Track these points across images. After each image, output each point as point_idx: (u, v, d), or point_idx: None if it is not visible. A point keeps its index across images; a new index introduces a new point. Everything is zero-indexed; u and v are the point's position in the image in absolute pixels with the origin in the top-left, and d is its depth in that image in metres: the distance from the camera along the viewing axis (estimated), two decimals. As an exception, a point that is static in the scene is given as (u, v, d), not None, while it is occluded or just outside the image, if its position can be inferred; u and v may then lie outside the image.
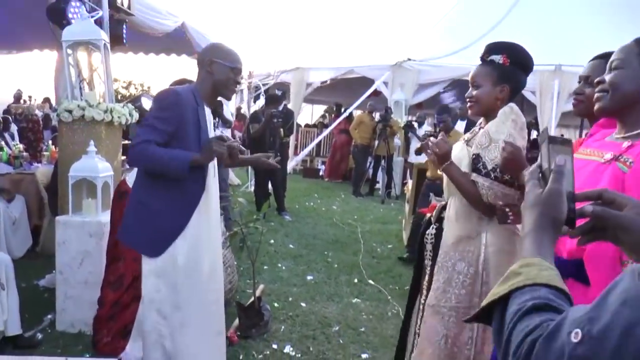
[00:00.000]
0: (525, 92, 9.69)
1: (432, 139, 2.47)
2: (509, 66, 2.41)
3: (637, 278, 0.64)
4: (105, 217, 3.60)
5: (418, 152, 6.51)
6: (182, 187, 2.57)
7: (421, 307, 2.74)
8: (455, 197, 2.49)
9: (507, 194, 2.26)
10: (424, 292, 2.72)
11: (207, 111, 2.68)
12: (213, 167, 2.74)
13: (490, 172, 2.29)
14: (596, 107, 1.54)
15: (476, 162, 2.35)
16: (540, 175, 1.03)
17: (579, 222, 1.02)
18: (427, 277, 2.73)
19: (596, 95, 1.54)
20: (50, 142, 7.61)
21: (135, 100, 4.74)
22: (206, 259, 2.72)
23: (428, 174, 6.11)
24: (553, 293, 0.80)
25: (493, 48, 2.46)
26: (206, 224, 2.71)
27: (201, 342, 2.69)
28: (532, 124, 16.84)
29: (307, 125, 17.54)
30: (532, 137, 19.24)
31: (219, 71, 2.60)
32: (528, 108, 13.41)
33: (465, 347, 2.39)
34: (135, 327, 3.12)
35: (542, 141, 1.07)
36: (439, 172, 2.47)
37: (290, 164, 11.64)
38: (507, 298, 0.83)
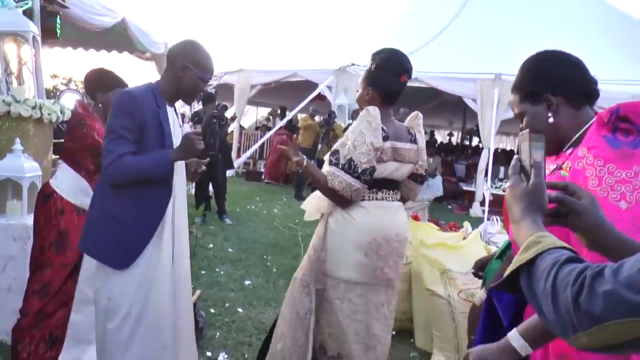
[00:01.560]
0: (467, 100, 9.92)
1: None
2: (374, 71, 2.58)
3: None
4: (32, 219, 3.41)
5: None
6: (149, 195, 2.43)
7: None
8: None
9: (350, 183, 2.45)
10: None
11: (170, 111, 2.53)
12: (180, 171, 2.58)
13: (341, 165, 2.48)
14: None
15: (332, 155, 2.56)
16: (520, 169, 1.19)
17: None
18: None
19: None
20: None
21: (57, 97, 4.53)
22: (169, 267, 2.56)
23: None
24: (573, 252, 0.95)
25: (372, 54, 2.63)
26: (172, 231, 2.55)
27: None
28: (474, 131, 17.33)
29: (258, 128, 17.40)
30: (473, 144, 19.75)
31: (189, 79, 2.45)
32: (470, 115, 13.76)
33: (306, 317, 2.60)
34: (70, 335, 2.98)
35: (524, 140, 1.20)
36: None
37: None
38: (532, 263, 0.97)
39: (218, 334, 3.83)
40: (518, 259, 1.00)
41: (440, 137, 23.15)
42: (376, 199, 2.60)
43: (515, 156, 1.22)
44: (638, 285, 0.76)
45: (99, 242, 2.44)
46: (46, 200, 3.05)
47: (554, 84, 1.53)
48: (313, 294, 2.60)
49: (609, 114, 1.40)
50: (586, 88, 1.55)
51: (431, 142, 17.58)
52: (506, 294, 1.73)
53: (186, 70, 2.43)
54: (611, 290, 0.78)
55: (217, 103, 8.28)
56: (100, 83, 3.15)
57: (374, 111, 2.50)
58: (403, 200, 2.78)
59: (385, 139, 2.52)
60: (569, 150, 1.54)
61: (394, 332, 4.23)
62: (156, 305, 2.49)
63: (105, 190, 2.44)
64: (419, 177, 2.83)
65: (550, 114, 1.53)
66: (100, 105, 3.15)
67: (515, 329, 1.44)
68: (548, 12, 11.77)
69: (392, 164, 2.59)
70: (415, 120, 2.84)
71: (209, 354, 3.51)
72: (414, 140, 2.71)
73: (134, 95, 2.36)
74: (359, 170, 2.44)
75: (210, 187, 7.91)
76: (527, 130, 1.21)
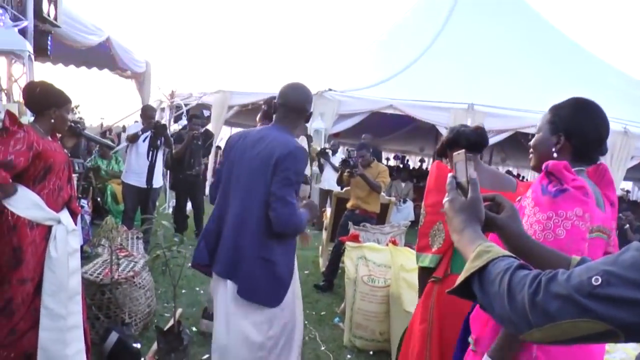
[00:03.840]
0: (440, 128, 10.18)
1: None
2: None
3: None
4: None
5: (339, 182, 6.69)
6: (290, 236, 2.67)
7: None
8: None
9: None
10: None
11: None
12: None
13: None
14: (530, 165, 1.88)
15: None
16: (456, 185, 1.33)
17: None
18: None
19: (530, 156, 1.89)
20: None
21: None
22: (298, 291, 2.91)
23: (349, 204, 6.31)
24: (519, 260, 1.07)
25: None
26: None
27: None
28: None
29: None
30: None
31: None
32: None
33: None
34: (41, 356, 3.00)
35: (459, 160, 1.35)
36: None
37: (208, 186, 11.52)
38: (483, 269, 1.08)
39: (202, 351, 3.90)
40: (470, 266, 1.11)
41: (412, 163, 23.51)
42: None
43: (450, 174, 1.36)
44: (587, 291, 0.89)
45: (258, 286, 2.57)
46: None
47: (572, 130, 1.73)
48: None
49: (544, 167, 1.65)
50: (591, 155, 1.76)
51: (404, 168, 17.89)
52: None
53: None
54: (565, 294, 0.91)
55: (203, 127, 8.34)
56: (55, 99, 3.09)
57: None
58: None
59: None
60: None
61: (371, 352, 4.38)
62: (299, 327, 2.86)
63: (259, 236, 2.57)
64: None
65: (554, 149, 1.76)
66: (52, 121, 3.08)
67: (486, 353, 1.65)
68: (520, 47, 12.22)
69: None
70: None
71: (193, 371, 3.58)
72: None
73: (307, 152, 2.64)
74: None
75: (189, 207, 7.94)
76: (463, 150, 1.37)
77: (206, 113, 9.34)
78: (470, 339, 1.77)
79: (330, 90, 11.19)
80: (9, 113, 2.95)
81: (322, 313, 5.22)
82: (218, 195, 2.78)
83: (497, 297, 1.02)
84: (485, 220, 1.31)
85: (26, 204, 2.95)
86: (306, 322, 4.84)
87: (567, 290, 0.91)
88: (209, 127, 9.97)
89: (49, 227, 3.04)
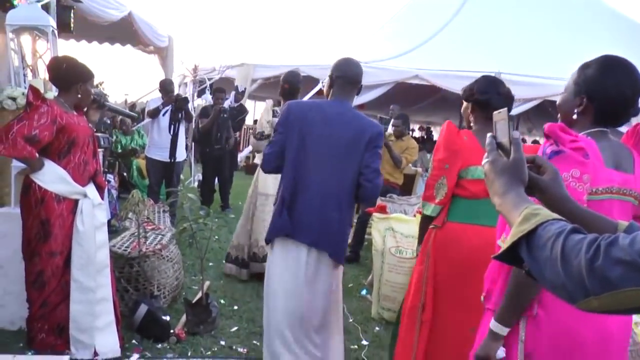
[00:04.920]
0: (469, 96, 10.01)
1: None
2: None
3: None
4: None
5: None
6: None
7: None
8: None
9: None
10: None
11: None
12: None
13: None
14: None
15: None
16: (496, 146, 1.25)
17: None
18: None
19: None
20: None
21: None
22: None
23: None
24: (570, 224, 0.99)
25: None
26: None
27: None
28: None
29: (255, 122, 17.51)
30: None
31: None
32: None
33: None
34: (73, 328, 3.08)
35: (500, 119, 1.27)
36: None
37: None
38: (532, 233, 1.00)
39: (230, 323, 3.93)
40: (518, 230, 1.03)
41: (437, 133, 23.26)
42: None
43: (489, 134, 1.29)
44: None
45: (341, 247, 2.90)
46: (27, 191, 3.04)
47: (594, 92, 1.63)
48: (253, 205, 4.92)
49: (543, 128, 1.61)
50: (616, 117, 1.67)
51: (429, 139, 17.70)
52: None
53: None
54: (629, 259, 0.82)
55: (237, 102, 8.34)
56: (81, 74, 3.13)
57: (267, 104, 5.28)
58: None
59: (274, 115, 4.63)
60: None
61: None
62: None
63: (350, 207, 2.88)
64: None
65: (576, 111, 1.67)
66: (79, 96, 3.12)
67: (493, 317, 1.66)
68: (548, 11, 11.87)
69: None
70: None
71: (222, 342, 3.61)
72: None
73: None
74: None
75: (216, 181, 7.97)
76: (505, 109, 1.27)
77: (241, 88, 9.30)
78: (482, 296, 1.78)
79: (354, 61, 11.05)
80: (32, 88, 2.97)
81: (350, 285, 5.21)
82: (287, 167, 2.80)
83: (549, 263, 0.94)
84: (528, 182, 1.22)
85: (52, 177, 2.99)
86: (333, 294, 4.84)
87: (631, 255, 0.83)
88: (233, 100, 9.91)
89: (76, 201, 3.07)
